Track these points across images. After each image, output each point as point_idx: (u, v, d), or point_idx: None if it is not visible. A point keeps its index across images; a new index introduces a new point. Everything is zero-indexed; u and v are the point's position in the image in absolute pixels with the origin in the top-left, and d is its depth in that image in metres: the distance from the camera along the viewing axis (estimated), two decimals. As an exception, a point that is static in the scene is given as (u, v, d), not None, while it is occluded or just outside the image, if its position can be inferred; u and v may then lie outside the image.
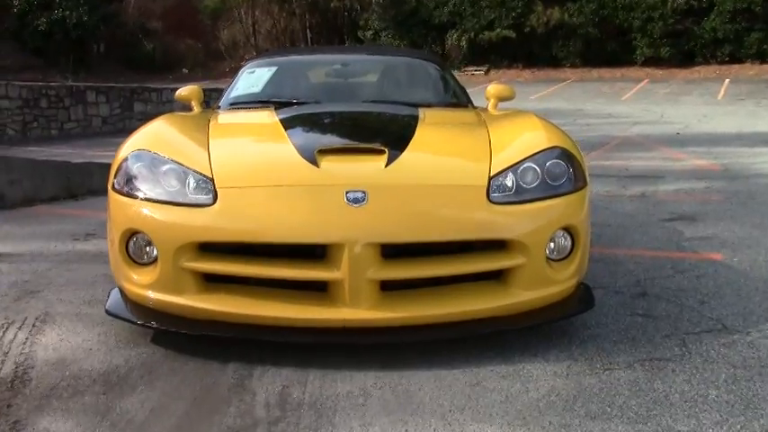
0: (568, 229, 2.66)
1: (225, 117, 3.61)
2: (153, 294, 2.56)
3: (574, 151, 2.82)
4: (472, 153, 2.83)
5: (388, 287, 2.49)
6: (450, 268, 2.54)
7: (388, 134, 3.25)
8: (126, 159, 2.72)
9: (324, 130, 3.41)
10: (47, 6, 27.73)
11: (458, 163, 2.86)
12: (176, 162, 2.64)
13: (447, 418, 2.10)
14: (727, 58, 26.37)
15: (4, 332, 2.82)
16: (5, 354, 2.60)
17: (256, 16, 34.19)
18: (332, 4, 32.49)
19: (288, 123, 3.15)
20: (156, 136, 2.93)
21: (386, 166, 2.61)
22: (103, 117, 13.88)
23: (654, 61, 27.06)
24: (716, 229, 4.54)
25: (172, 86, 13.55)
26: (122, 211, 2.64)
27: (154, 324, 2.58)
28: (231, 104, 3.99)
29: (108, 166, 2.88)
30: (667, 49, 26.71)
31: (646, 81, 25.12)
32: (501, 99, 4.10)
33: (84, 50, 29.39)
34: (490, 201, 2.56)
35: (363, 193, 2.46)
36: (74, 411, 2.16)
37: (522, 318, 2.58)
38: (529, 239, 2.53)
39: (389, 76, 4.47)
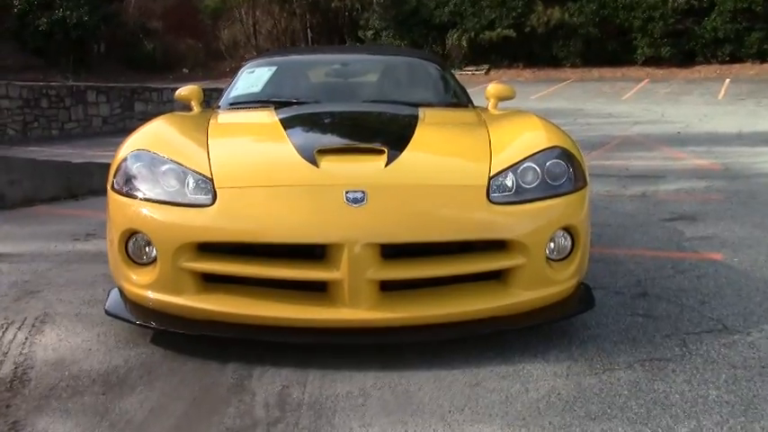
0: (568, 229, 2.66)
1: (224, 117, 3.60)
2: (152, 294, 2.56)
3: (574, 151, 2.82)
4: (472, 153, 2.83)
5: (387, 287, 2.49)
6: (449, 268, 2.54)
7: (388, 134, 3.25)
8: (125, 159, 2.72)
9: (323, 129, 3.41)
10: (47, 6, 27.72)
11: (458, 163, 2.85)
12: (176, 162, 2.64)
13: (446, 419, 2.09)
14: (727, 58, 26.33)
15: (3, 332, 2.82)
16: (5, 354, 2.60)
17: (257, 16, 34.17)
18: (333, 4, 32.47)
19: (287, 123, 3.15)
20: (155, 136, 2.93)
21: (385, 165, 2.61)
22: (104, 117, 13.89)
23: (654, 61, 27.03)
24: (716, 229, 4.53)
25: (172, 86, 13.53)
26: (122, 211, 2.63)
27: (153, 324, 2.58)
28: (231, 104, 3.98)
29: (108, 165, 2.88)
30: (668, 48, 26.67)
31: (646, 81, 25.10)
32: (501, 99, 4.10)
33: (84, 50, 29.37)
34: (490, 201, 2.56)
35: (363, 193, 2.46)
36: (73, 412, 2.15)
37: (522, 318, 2.58)
38: (529, 239, 2.53)
39: (389, 75, 4.47)
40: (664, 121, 14.13)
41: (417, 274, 2.51)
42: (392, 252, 2.47)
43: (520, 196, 2.60)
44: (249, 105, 3.89)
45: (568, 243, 2.67)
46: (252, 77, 4.30)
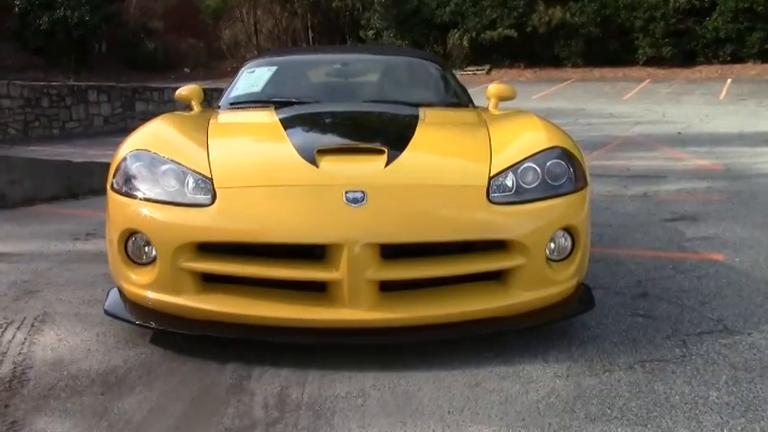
0: (569, 230, 2.65)
1: (224, 117, 3.60)
2: (152, 294, 2.56)
3: (574, 151, 2.81)
4: (472, 153, 2.82)
5: (387, 288, 2.48)
6: (449, 269, 2.53)
7: (388, 134, 3.24)
8: (125, 159, 2.72)
9: (324, 129, 3.40)
10: (48, 6, 27.74)
11: (458, 163, 2.85)
12: (175, 162, 2.64)
13: (446, 420, 2.09)
14: (728, 58, 26.32)
15: (2, 332, 2.81)
16: (4, 354, 2.59)
17: (258, 16, 34.19)
18: (333, 4, 32.48)
19: (287, 123, 3.14)
20: (155, 136, 2.93)
21: (385, 166, 2.60)
22: (105, 116, 13.89)
23: (656, 61, 27.02)
24: (717, 230, 4.52)
25: (173, 86, 13.53)
26: (121, 210, 2.63)
27: (152, 324, 2.58)
28: (231, 104, 3.98)
29: (108, 165, 2.87)
30: (669, 48, 26.66)
31: (647, 81, 25.09)
32: (502, 99, 4.09)
33: (85, 50, 29.40)
34: (490, 201, 2.55)
35: (363, 193, 2.45)
36: (71, 412, 2.15)
37: (521, 318, 2.58)
38: (529, 240, 2.52)
39: (390, 75, 4.46)
40: (665, 121, 14.12)
41: (417, 275, 2.50)
42: (392, 252, 2.47)
43: (520, 196, 2.59)
44: (249, 105, 3.89)
45: (568, 243, 2.67)
46: (252, 77, 4.29)
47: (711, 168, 7.58)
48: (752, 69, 25.41)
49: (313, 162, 2.61)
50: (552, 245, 2.62)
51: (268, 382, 2.34)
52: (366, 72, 4.57)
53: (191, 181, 2.57)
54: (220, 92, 4.35)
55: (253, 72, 4.35)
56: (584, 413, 2.11)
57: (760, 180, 6.65)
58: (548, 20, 27.77)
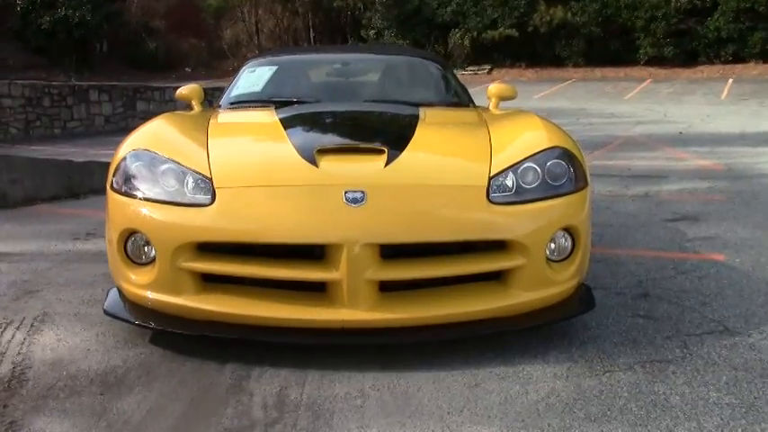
0: (569, 230, 2.64)
1: (224, 116, 3.59)
2: (151, 294, 2.55)
3: (575, 151, 2.80)
4: (472, 153, 2.82)
5: (387, 288, 2.48)
6: (449, 269, 2.52)
7: (388, 134, 3.24)
8: (124, 159, 2.72)
9: (324, 129, 3.40)
10: (50, 5, 27.72)
11: (458, 163, 2.84)
12: (175, 162, 2.63)
13: (445, 420, 2.08)
14: (730, 58, 26.27)
15: (2, 332, 2.81)
16: (3, 354, 2.59)
17: (259, 15, 34.17)
18: (335, 4, 32.45)
19: (288, 123, 3.14)
20: (154, 135, 2.92)
21: (385, 165, 2.60)
22: (106, 116, 13.89)
23: (657, 61, 26.98)
24: (718, 230, 4.51)
25: (174, 85, 13.53)
26: (121, 210, 2.63)
27: (152, 324, 2.57)
28: (231, 104, 3.97)
29: (108, 165, 2.87)
30: (671, 48, 26.61)
31: (649, 80, 25.06)
32: (502, 98, 4.09)
33: (87, 49, 29.38)
34: (490, 201, 2.55)
35: (362, 193, 2.45)
36: (70, 412, 2.15)
37: (522, 319, 2.57)
38: (529, 240, 2.51)
39: (390, 75, 4.46)
40: (666, 121, 14.10)
41: (417, 275, 2.50)
42: (391, 252, 2.46)
43: (520, 196, 2.58)
44: (250, 105, 3.89)
45: (569, 244, 2.66)
46: (253, 77, 4.29)
47: (713, 168, 7.57)
48: (753, 69, 25.36)
49: (313, 162, 2.60)
50: (552, 245, 2.61)
51: (267, 383, 2.33)
52: (366, 72, 4.57)
53: (190, 181, 2.57)
54: (221, 91, 4.35)
55: (253, 72, 4.34)
56: (584, 414, 2.11)
57: (761, 180, 6.64)
58: (549, 19, 27.73)
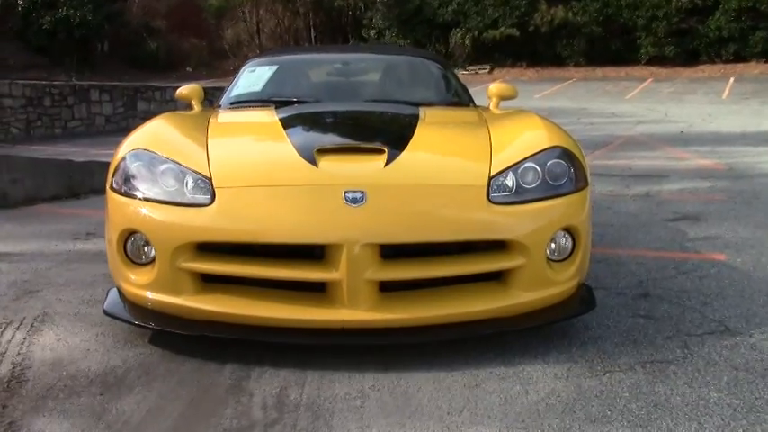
0: (569, 230, 2.64)
1: (224, 116, 3.59)
2: (151, 294, 2.55)
3: (575, 151, 2.80)
4: (472, 153, 2.81)
5: (387, 288, 2.47)
6: (449, 269, 2.52)
7: (388, 134, 3.23)
8: (124, 159, 2.71)
9: (324, 129, 3.39)
10: (51, 5, 27.75)
11: (458, 163, 2.84)
12: (174, 162, 2.63)
13: (445, 421, 2.08)
14: (731, 57, 26.25)
15: (2, 332, 2.81)
16: (3, 354, 2.59)
17: (260, 15, 34.18)
18: (336, 3, 32.46)
19: (287, 123, 3.13)
20: (154, 135, 2.92)
21: (385, 165, 2.59)
22: (107, 116, 13.89)
23: (658, 60, 26.96)
24: (720, 230, 4.51)
25: (175, 85, 13.52)
26: (120, 210, 2.62)
27: (152, 324, 2.57)
28: (232, 103, 3.97)
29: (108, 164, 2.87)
30: (672, 47, 26.60)
31: (650, 80, 25.04)
32: (503, 98, 4.08)
33: (88, 49, 29.40)
34: (490, 201, 2.54)
35: (362, 193, 2.44)
36: (69, 412, 2.14)
37: (522, 319, 2.56)
38: (529, 240, 2.51)
39: (391, 75, 4.45)
40: (667, 120, 14.09)
41: (417, 275, 2.49)
42: (391, 252, 2.46)
43: (520, 196, 2.58)
44: (250, 104, 3.88)
45: (569, 244, 2.65)
46: (253, 76, 4.28)
47: (714, 168, 7.56)
48: (755, 69, 25.34)
49: (312, 162, 2.60)
50: (553, 245, 2.61)
51: (267, 383, 2.33)
52: (367, 71, 4.56)
53: (190, 181, 2.56)
54: (222, 91, 4.35)
55: (253, 71, 4.34)
56: (585, 414, 2.10)
57: (762, 180, 6.63)
58: (550, 19, 27.72)
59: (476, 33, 28.93)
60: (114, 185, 2.68)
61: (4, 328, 2.85)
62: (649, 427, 2.03)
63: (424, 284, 2.54)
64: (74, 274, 3.62)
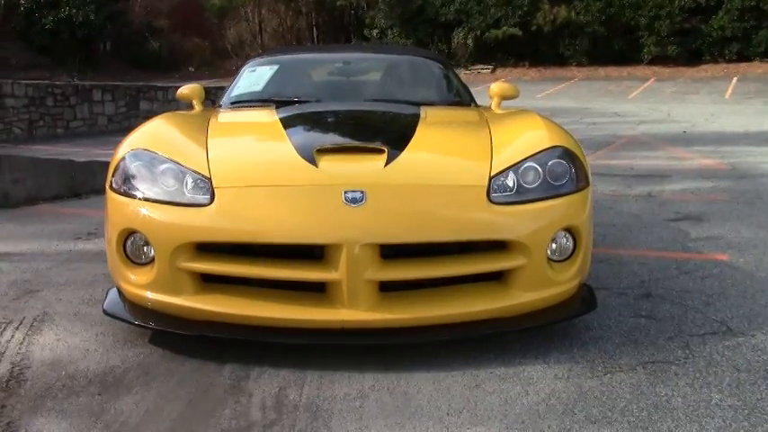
0: (570, 230, 2.63)
1: (224, 116, 3.58)
2: (150, 294, 2.55)
3: (576, 150, 2.79)
4: (473, 152, 2.80)
5: (387, 288, 2.47)
6: (449, 269, 2.51)
7: (389, 133, 3.22)
8: (124, 158, 2.71)
9: (324, 129, 3.39)
10: (53, 5, 27.76)
11: (458, 162, 2.83)
12: (174, 161, 2.62)
13: (445, 421, 2.07)
14: (734, 57, 26.18)
15: (1, 331, 2.81)
16: (2, 354, 2.58)
17: (263, 15, 34.19)
18: (338, 3, 32.44)
19: (287, 122, 3.13)
20: (154, 135, 2.91)
21: (385, 165, 2.59)
22: (109, 116, 13.89)
23: (661, 60, 26.90)
24: (722, 230, 4.49)
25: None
26: (120, 210, 2.62)
27: (151, 324, 2.56)
28: (232, 103, 3.97)
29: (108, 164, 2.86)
30: (674, 47, 26.53)
31: (653, 79, 24.99)
32: (504, 98, 4.07)
33: (90, 49, 29.40)
34: (491, 201, 2.53)
35: (362, 192, 2.44)
36: (68, 412, 2.14)
37: (522, 319, 2.55)
38: (530, 240, 2.50)
39: (392, 74, 4.44)
40: (670, 120, 14.05)
41: (417, 275, 2.48)
42: (391, 252, 2.45)
43: (521, 196, 2.57)
44: (250, 104, 3.88)
45: (570, 244, 2.64)
46: (254, 76, 4.28)
47: (716, 168, 7.54)
48: (758, 68, 25.26)
49: (312, 162, 2.59)
50: (553, 245, 2.60)
51: (266, 383, 2.32)
52: (368, 71, 4.55)
53: (189, 180, 2.56)
54: (223, 90, 4.34)
55: (254, 71, 4.33)
56: (585, 415, 2.09)
57: (765, 180, 6.60)
58: (552, 18, 27.68)
59: (478, 33, 28.89)
60: (114, 185, 2.68)
61: (4, 328, 2.84)
62: (650, 429, 2.01)
63: (424, 284, 2.53)
64: (74, 274, 3.62)
